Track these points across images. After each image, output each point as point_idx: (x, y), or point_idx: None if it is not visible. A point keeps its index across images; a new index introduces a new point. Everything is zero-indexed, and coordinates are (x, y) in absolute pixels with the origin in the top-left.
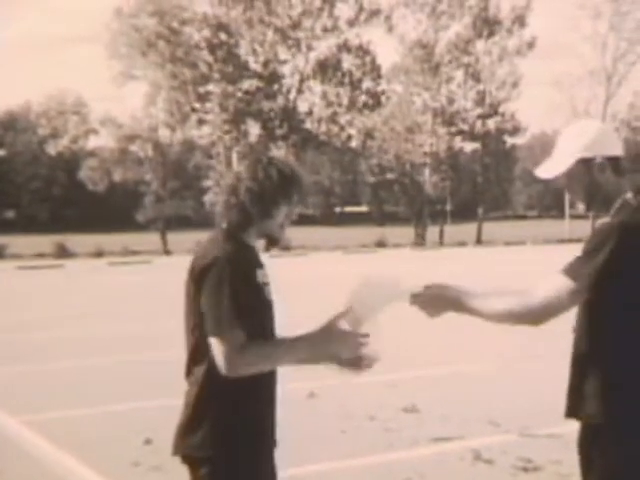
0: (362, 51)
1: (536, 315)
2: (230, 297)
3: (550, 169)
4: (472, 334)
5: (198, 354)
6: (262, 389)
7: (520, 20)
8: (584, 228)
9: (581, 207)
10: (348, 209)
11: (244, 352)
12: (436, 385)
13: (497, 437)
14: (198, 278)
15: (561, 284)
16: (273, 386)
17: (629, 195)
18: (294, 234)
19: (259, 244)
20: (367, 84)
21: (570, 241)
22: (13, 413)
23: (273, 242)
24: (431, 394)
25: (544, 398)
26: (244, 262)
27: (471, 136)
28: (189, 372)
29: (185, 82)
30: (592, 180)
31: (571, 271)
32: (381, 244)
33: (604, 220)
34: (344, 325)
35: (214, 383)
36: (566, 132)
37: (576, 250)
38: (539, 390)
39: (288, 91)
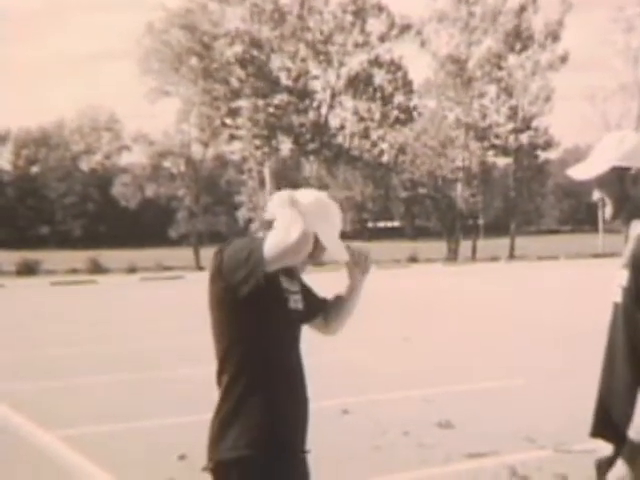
0: (394, 66)
1: None
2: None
3: (584, 171)
4: (505, 349)
5: (225, 362)
6: (288, 391)
7: (553, 35)
8: (618, 243)
9: (607, 213)
10: (380, 224)
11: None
12: (471, 400)
13: (532, 453)
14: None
15: None
16: (299, 388)
17: None
18: None
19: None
20: (399, 99)
21: (604, 256)
22: (47, 428)
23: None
24: (466, 409)
25: (579, 413)
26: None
27: (504, 151)
28: (219, 381)
29: (217, 98)
30: (623, 190)
31: None
32: (413, 259)
33: None
34: None
35: (240, 388)
36: (606, 138)
37: (610, 265)
38: (574, 405)
39: (319, 106)
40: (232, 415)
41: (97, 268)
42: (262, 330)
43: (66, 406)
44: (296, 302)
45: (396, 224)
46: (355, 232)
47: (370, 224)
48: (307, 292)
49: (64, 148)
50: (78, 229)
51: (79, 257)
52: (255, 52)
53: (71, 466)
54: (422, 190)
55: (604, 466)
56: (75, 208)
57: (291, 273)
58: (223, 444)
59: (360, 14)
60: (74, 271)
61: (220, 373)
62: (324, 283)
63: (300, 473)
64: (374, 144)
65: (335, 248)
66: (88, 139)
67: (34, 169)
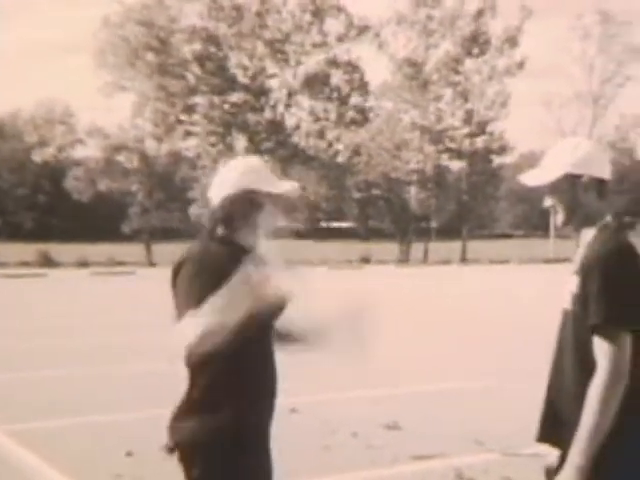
0: (351, 67)
1: (618, 376)
2: (199, 289)
3: (536, 177)
4: (457, 352)
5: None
6: (257, 380)
7: (512, 41)
8: (569, 249)
9: (559, 220)
10: (334, 224)
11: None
12: (419, 402)
13: (480, 456)
14: (171, 276)
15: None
16: (269, 378)
17: (608, 218)
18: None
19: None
20: (355, 100)
21: (555, 261)
22: None
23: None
24: (414, 411)
25: (528, 417)
26: (216, 259)
27: (458, 154)
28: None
29: (172, 94)
30: (575, 197)
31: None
32: (366, 260)
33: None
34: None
35: (208, 376)
36: (560, 145)
37: (561, 270)
38: (523, 409)
39: (276, 105)
40: (199, 401)
41: (48, 261)
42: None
43: (12, 401)
44: None
45: (349, 225)
46: (308, 232)
47: (323, 224)
48: None
49: (17, 139)
50: (29, 221)
51: (30, 250)
52: (212, 49)
53: (17, 461)
54: (376, 191)
55: (552, 473)
56: (27, 200)
57: (253, 257)
58: (189, 425)
59: (319, 14)
60: (24, 264)
61: (188, 359)
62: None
63: (265, 470)
64: (329, 144)
65: (279, 186)
66: (42, 131)
67: None
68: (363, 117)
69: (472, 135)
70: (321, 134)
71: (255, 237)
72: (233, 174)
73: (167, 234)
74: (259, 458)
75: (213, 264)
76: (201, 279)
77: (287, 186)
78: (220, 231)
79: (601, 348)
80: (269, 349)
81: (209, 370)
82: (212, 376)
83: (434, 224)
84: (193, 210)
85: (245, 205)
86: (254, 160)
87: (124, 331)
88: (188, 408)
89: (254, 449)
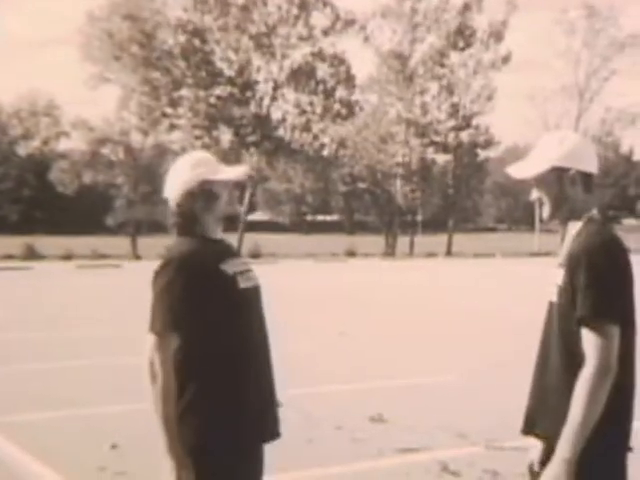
0: (337, 60)
1: (606, 369)
2: (178, 299)
3: (523, 170)
4: (441, 345)
5: (186, 349)
6: (250, 376)
7: (497, 35)
8: (553, 242)
9: (545, 213)
10: (319, 217)
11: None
12: (404, 395)
13: (464, 449)
14: (152, 280)
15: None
16: (265, 373)
17: (594, 212)
18: (264, 241)
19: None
20: (341, 93)
21: (540, 254)
22: None
23: (232, 218)
24: (399, 404)
25: (512, 410)
26: (202, 259)
27: (444, 148)
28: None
29: (157, 87)
30: (561, 190)
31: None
32: (351, 253)
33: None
34: None
35: (203, 375)
36: (547, 138)
37: (546, 263)
38: (507, 402)
39: (261, 98)
40: (193, 403)
41: (33, 254)
42: (215, 320)
43: None
44: (248, 280)
45: (335, 218)
46: (293, 225)
47: (309, 217)
48: None
49: (1, 132)
50: (14, 214)
51: (14, 243)
52: (197, 42)
53: (1, 454)
54: (361, 185)
55: (537, 466)
56: (11, 193)
57: (229, 250)
58: (185, 429)
59: (305, 7)
60: (9, 257)
61: (181, 358)
62: (258, 274)
63: (258, 470)
64: (315, 137)
65: (231, 173)
66: (26, 124)
67: None
68: (349, 110)
69: (457, 129)
70: (307, 127)
71: (219, 227)
72: (185, 170)
73: (152, 227)
74: (255, 465)
75: (190, 270)
76: (173, 292)
77: (239, 171)
78: (189, 227)
79: (589, 341)
80: (263, 338)
81: (203, 370)
82: (206, 375)
83: (419, 217)
84: None
85: (204, 197)
86: (200, 154)
87: (109, 324)
88: (183, 412)
89: (253, 455)
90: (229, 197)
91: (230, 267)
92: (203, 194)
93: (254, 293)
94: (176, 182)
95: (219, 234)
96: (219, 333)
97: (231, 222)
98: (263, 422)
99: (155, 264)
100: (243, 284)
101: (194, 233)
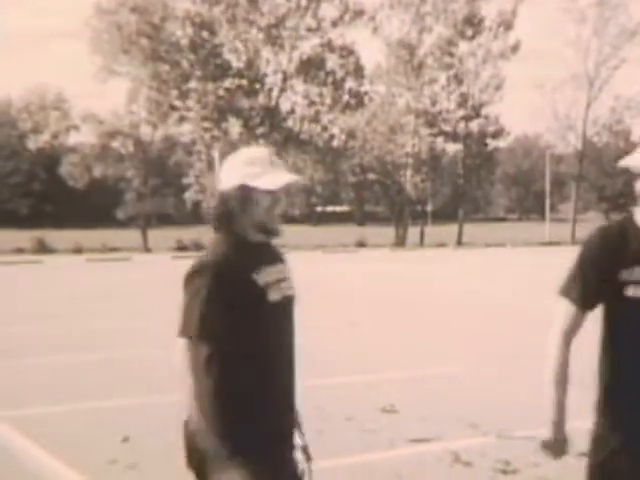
0: (346, 51)
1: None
2: (208, 307)
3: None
4: (453, 335)
5: (213, 355)
6: (278, 383)
7: (506, 24)
8: (564, 232)
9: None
10: (329, 208)
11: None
12: (415, 386)
13: (476, 439)
14: (184, 282)
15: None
16: (289, 379)
17: None
18: None
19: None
20: (350, 84)
21: (550, 244)
22: None
23: (268, 233)
24: (410, 395)
25: (523, 400)
26: (235, 267)
27: (453, 138)
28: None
29: (166, 80)
30: None
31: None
32: (361, 244)
33: None
34: None
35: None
36: None
37: (556, 253)
38: (518, 392)
39: (270, 90)
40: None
41: (43, 248)
42: (241, 330)
43: (8, 387)
44: (279, 290)
45: (345, 209)
46: (303, 216)
47: (319, 208)
48: None
49: (11, 126)
50: (24, 208)
51: (25, 237)
52: (206, 35)
53: (13, 447)
54: (371, 175)
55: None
56: (22, 187)
57: (268, 256)
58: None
59: None
60: (20, 251)
61: (208, 362)
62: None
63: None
64: (324, 128)
65: (276, 181)
66: (36, 117)
67: None
68: (358, 101)
69: (467, 118)
70: (316, 118)
71: (256, 232)
72: (235, 166)
73: (162, 220)
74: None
75: (221, 278)
76: (203, 299)
77: (281, 181)
78: (224, 225)
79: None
80: (289, 347)
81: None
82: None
83: (430, 208)
84: (188, 195)
85: (241, 200)
86: (256, 151)
87: (120, 318)
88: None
89: (272, 457)
90: (271, 205)
91: (262, 277)
92: (241, 197)
93: (285, 304)
94: (223, 177)
95: (259, 237)
96: (245, 342)
97: (269, 234)
98: (281, 435)
99: (165, 257)
100: (273, 296)
101: (231, 232)
